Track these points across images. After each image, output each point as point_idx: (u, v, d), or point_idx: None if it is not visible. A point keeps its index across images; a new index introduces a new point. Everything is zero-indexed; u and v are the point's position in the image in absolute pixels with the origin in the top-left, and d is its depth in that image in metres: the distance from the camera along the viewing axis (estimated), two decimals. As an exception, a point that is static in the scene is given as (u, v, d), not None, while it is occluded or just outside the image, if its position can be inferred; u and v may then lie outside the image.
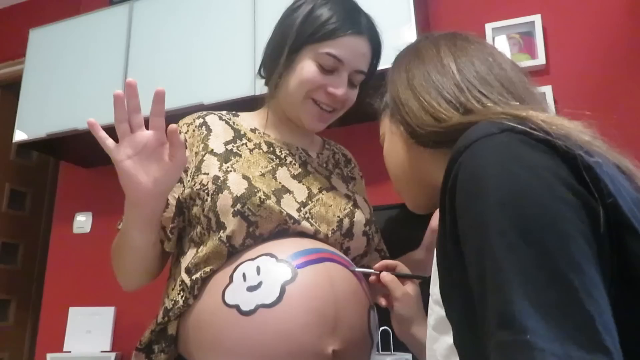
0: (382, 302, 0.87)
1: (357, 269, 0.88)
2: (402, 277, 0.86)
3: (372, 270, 0.88)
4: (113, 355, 1.84)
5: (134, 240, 0.88)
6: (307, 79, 0.93)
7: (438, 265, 0.57)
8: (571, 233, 0.43)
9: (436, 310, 0.58)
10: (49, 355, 1.84)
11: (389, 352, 1.02)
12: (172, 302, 0.85)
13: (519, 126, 0.50)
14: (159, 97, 0.79)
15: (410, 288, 0.85)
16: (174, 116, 1.29)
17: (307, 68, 0.93)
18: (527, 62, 1.70)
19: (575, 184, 0.46)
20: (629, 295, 0.45)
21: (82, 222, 2.25)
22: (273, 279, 0.79)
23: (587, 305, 0.41)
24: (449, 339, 0.54)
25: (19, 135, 2.07)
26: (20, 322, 2.75)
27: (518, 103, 0.61)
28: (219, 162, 0.91)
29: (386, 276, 0.85)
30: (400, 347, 1.04)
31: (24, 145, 2.16)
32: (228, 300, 0.79)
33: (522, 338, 0.40)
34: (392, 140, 0.76)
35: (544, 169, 0.47)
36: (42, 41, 2.18)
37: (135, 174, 0.79)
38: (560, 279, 0.42)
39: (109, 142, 0.79)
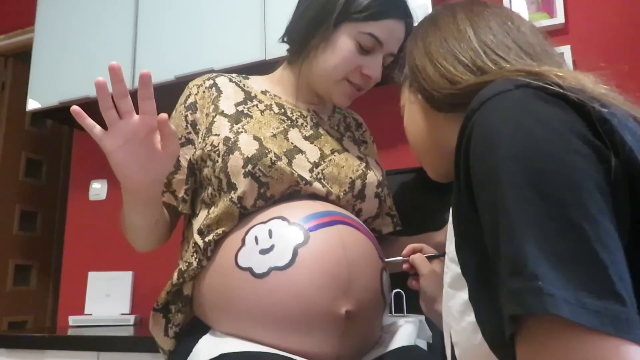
0: (413, 283, 0.88)
1: (387, 260, 0.89)
2: (429, 258, 0.87)
3: (401, 258, 0.89)
4: (132, 317, 1.89)
5: (135, 221, 0.90)
6: (345, 58, 0.93)
7: (453, 224, 0.57)
8: (585, 185, 0.43)
9: (452, 267, 0.58)
10: (70, 318, 1.89)
11: (402, 314, 1.03)
12: (186, 264, 0.86)
13: (533, 82, 0.50)
14: (145, 80, 0.73)
15: (437, 266, 0.86)
16: (185, 82, 1.28)
17: (346, 46, 0.93)
18: (545, 21, 1.65)
19: (589, 136, 0.46)
20: None
21: (98, 189, 2.27)
22: (285, 242, 0.79)
23: (600, 254, 0.41)
24: (464, 295, 0.54)
25: (32, 104, 2.08)
26: (42, 287, 2.83)
27: (535, 64, 0.61)
28: (229, 123, 0.91)
29: (416, 257, 0.86)
30: (413, 309, 1.05)
31: (38, 114, 2.18)
32: (241, 263, 0.80)
33: (534, 284, 0.40)
34: (411, 110, 0.77)
35: (558, 122, 0.46)
36: (51, 8, 2.16)
37: (127, 163, 0.76)
38: (574, 228, 0.41)
39: (96, 130, 0.74)
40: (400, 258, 0.89)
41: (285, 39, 1.03)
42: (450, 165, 0.73)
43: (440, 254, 0.89)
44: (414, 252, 0.88)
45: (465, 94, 0.59)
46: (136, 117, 0.75)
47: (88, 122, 0.75)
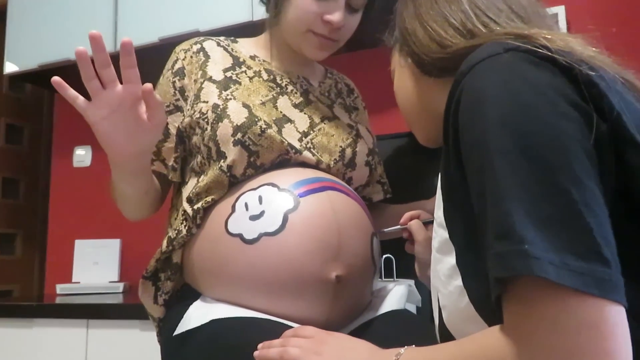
0: (411, 248, 0.89)
1: (386, 230, 0.90)
2: (426, 224, 0.88)
3: (399, 227, 0.89)
4: (121, 285, 1.91)
5: (125, 191, 0.90)
6: (303, 8, 0.92)
7: (442, 189, 0.58)
8: (572, 148, 0.44)
9: (440, 232, 0.59)
10: (58, 286, 1.91)
11: (392, 279, 1.06)
12: (176, 231, 0.87)
13: (522, 45, 0.50)
14: (127, 48, 0.72)
15: (430, 233, 0.87)
16: (169, 44, 1.26)
17: None
18: (540, -19, 1.63)
19: (578, 100, 0.47)
20: (629, 209, 0.46)
21: (82, 155, 2.26)
22: (275, 208, 0.80)
23: (586, 217, 0.42)
24: (451, 260, 0.55)
25: (9, 67, 2.03)
26: (27, 255, 2.83)
27: (526, 26, 0.61)
28: (218, 90, 0.90)
29: (413, 223, 0.87)
30: (402, 274, 1.08)
31: (16, 78, 2.13)
32: (231, 229, 0.81)
33: (520, 248, 0.42)
34: (401, 74, 0.77)
35: (546, 86, 0.47)
36: (26, -35, 2.09)
37: (113, 135, 0.76)
38: (560, 192, 0.43)
39: (79, 101, 0.73)
40: (399, 227, 0.90)
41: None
42: (440, 131, 0.74)
43: (429, 221, 0.90)
44: (411, 219, 0.90)
45: (455, 58, 0.59)
46: (120, 86, 0.74)
47: (70, 93, 0.73)
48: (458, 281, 0.54)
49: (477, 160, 0.48)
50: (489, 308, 0.47)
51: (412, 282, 1.00)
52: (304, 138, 0.92)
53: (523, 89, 0.47)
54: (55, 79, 0.72)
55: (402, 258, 0.91)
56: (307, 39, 0.95)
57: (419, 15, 0.68)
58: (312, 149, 0.92)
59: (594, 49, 0.53)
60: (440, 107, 0.68)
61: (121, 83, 0.74)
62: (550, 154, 0.44)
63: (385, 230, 0.91)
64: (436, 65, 0.65)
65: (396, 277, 1.06)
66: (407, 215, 0.90)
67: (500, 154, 0.45)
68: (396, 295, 0.92)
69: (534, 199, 0.43)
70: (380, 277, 1.06)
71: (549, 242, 0.41)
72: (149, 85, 0.73)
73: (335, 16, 0.91)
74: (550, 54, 0.49)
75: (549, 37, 0.51)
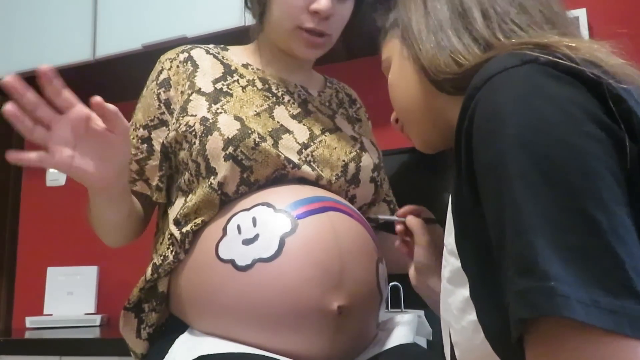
0: (402, 248, 0.89)
1: (381, 217, 0.90)
2: (429, 223, 0.87)
3: (396, 218, 0.89)
4: (98, 317, 1.89)
5: (105, 217, 0.91)
6: (287, 3, 0.94)
7: (453, 213, 0.58)
8: (598, 171, 0.44)
9: (451, 261, 0.59)
10: (28, 319, 1.89)
11: (399, 310, 1.05)
12: (162, 257, 0.87)
13: (543, 56, 0.50)
14: (47, 76, 0.72)
15: (436, 236, 0.86)
16: (153, 52, 1.27)
17: None
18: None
19: (603, 117, 0.46)
20: None
21: (56, 174, 2.25)
22: (271, 230, 0.80)
23: (615, 248, 0.41)
24: (465, 292, 0.55)
25: (-22, 77, 2.05)
26: (-7, 284, 2.81)
27: (545, 30, 0.61)
28: (207, 103, 0.91)
29: (412, 220, 0.86)
30: (411, 304, 1.07)
31: (-16, 88, 2.15)
32: (222, 254, 0.81)
33: (544, 285, 0.41)
34: (402, 68, 0.74)
35: (569, 102, 0.47)
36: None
37: (87, 167, 0.78)
38: (586, 220, 0.42)
39: (37, 157, 0.74)
40: (396, 218, 0.88)
41: (247, 4, 1.05)
42: (443, 138, 0.73)
43: (434, 220, 0.90)
44: (411, 213, 0.88)
45: (470, 76, 0.58)
46: (63, 118, 0.75)
47: (27, 157, 0.74)
48: (472, 316, 0.54)
49: (494, 185, 0.47)
50: (508, 347, 0.46)
51: (421, 312, 1.00)
52: (303, 150, 0.92)
53: (544, 106, 0.47)
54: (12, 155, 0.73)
55: (411, 286, 0.91)
56: (295, 37, 0.96)
57: (428, 15, 0.66)
58: (312, 163, 0.92)
59: (621, 60, 0.53)
60: (448, 113, 0.68)
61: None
62: (575, 179, 0.43)
63: (379, 216, 0.90)
64: (448, 85, 0.63)
65: (404, 308, 1.05)
66: (406, 208, 0.89)
67: (519, 178, 0.45)
68: (404, 328, 0.92)
69: (558, 228, 0.42)
70: (387, 308, 1.05)
71: (576, 276, 0.41)
72: (96, 98, 0.74)
73: (322, 4, 0.93)
74: (573, 65, 0.48)
75: (573, 45, 0.51)
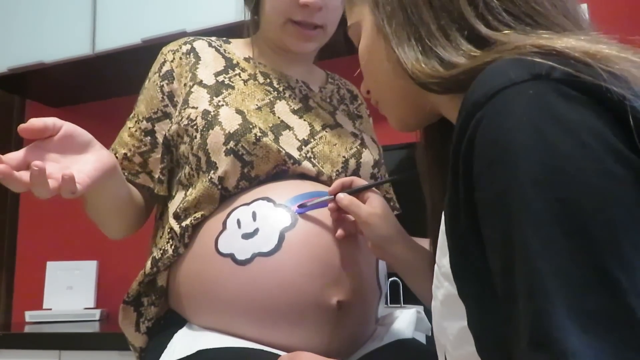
0: (340, 232, 0.82)
1: (308, 204, 0.83)
2: (361, 191, 0.83)
3: (324, 197, 0.83)
4: (98, 312, 1.90)
5: (102, 203, 0.90)
6: None
7: (448, 235, 0.53)
8: (621, 219, 0.39)
9: (445, 285, 0.55)
10: (27, 313, 1.90)
11: (399, 305, 1.06)
12: (161, 251, 0.88)
13: (555, 67, 0.44)
14: (27, 132, 0.71)
15: (374, 203, 0.82)
16: (154, 46, 1.27)
17: None
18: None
19: (625, 151, 0.41)
20: None
21: (55, 168, 2.27)
22: (271, 225, 0.81)
23: (636, 310, 0.37)
24: (462, 321, 0.51)
25: (-23, 71, 2.05)
26: (-7, 279, 2.82)
27: (557, 23, 0.54)
28: (209, 95, 0.91)
29: (343, 199, 0.81)
30: (410, 300, 1.08)
31: (-16, 82, 2.15)
32: (222, 248, 0.81)
33: None
34: (373, 44, 0.67)
35: (589, 132, 0.41)
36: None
37: (88, 172, 0.75)
38: (606, 278, 0.38)
39: (47, 194, 0.69)
40: (324, 197, 0.83)
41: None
42: (423, 118, 0.67)
43: (377, 183, 0.88)
44: (342, 188, 0.83)
45: (459, 80, 0.53)
46: (33, 147, 0.73)
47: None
48: (472, 346, 0.50)
49: (501, 227, 0.43)
50: None
51: (420, 308, 1.00)
52: (303, 147, 0.93)
53: (559, 137, 0.41)
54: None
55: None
56: (287, 31, 0.96)
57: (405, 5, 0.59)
58: (312, 159, 0.92)
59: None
60: (427, 97, 0.62)
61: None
62: (594, 228, 0.39)
63: (308, 204, 0.83)
64: (434, 86, 0.56)
65: (403, 303, 1.06)
66: (336, 183, 0.84)
67: (531, 225, 0.40)
68: (403, 323, 0.92)
69: (575, 290, 0.38)
70: (386, 303, 1.06)
71: (596, 349, 0.37)
72: (19, 128, 0.71)
73: None
74: (594, 82, 0.42)
75: (592, 51, 0.44)
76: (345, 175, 0.95)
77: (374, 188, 0.86)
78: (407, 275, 0.82)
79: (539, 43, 0.48)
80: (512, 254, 0.41)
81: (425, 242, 0.81)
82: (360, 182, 0.86)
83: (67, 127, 0.75)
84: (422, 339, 0.98)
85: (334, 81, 1.14)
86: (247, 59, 1.02)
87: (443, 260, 0.55)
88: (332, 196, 0.83)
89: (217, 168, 0.85)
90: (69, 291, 1.99)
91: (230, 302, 0.79)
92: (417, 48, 0.57)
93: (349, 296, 0.79)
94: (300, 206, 0.82)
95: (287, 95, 0.99)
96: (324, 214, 0.83)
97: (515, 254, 0.41)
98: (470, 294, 0.50)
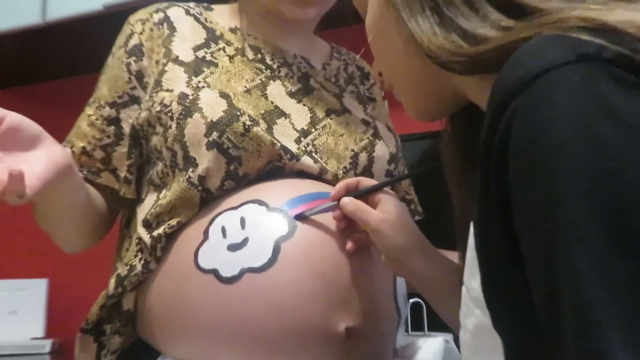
0: (350, 245, 0.83)
1: (307, 212, 0.83)
2: (371, 193, 0.83)
3: (327, 205, 0.83)
4: (48, 342, 1.89)
5: (57, 216, 0.91)
6: None
7: (477, 250, 0.53)
8: None
9: (476, 313, 0.55)
10: (-39, 345, 1.90)
11: (422, 332, 1.06)
12: (128, 267, 0.88)
13: (607, 46, 0.43)
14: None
15: (387, 207, 0.81)
16: (119, 13, 1.27)
17: None
18: None
19: None
20: None
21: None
22: (263, 234, 0.81)
23: None
24: (497, 358, 0.51)
25: None
26: None
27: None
28: (186, 75, 0.91)
29: (347, 204, 0.81)
30: (436, 326, 1.08)
31: None
32: (203, 263, 0.81)
33: None
34: (383, 17, 0.68)
35: None
36: None
37: (36, 173, 0.76)
38: None
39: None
40: (327, 205, 0.84)
41: None
42: (444, 106, 0.69)
43: (391, 181, 0.87)
44: (347, 191, 0.84)
45: (490, 59, 0.53)
46: None
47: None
48: None
49: (543, 245, 0.43)
50: None
51: (449, 336, 1.00)
52: (302, 138, 0.93)
53: (614, 135, 0.41)
54: None
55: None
56: None
57: None
58: (313, 154, 0.93)
59: None
60: (449, 80, 0.63)
61: None
62: None
63: (306, 212, 0.83)
64: (456, 66, 0.57)
65: (428, 330, 1.06)
66: (339, 186, 0.84)
67: (579, 243, 0.40)
68: (428, 355, 0.92)
69: (630, 320, 0.38)
70: (406, 330, 1.06)
71: None
72: None
73: None
74: None
75: None
76: (355, 174, 0.95)
77: (387, 188, 0.86)
78: (432, 296, 0.82)
79: (586, 16, 0.47)
80: (557, 277, 0.41)
81: (454, 256, 0.81)
82: (368, 182, 0.86)
83: (12, 118, 0.76)
84: (450, 375, 0.98)
85: (340, 56, 1.14)
86: (233, 30, 1.02)
87: (472, 282, 0.55)
88: (336, 202, 0.83)
89: (196, 165, 0.85)
90: (12, 317, 1.99)
91: (213, 329, 0.79)
92: (433, 19, 0.58)
93: (360, 321, 0.80)
94: (297, 214, 0.83)
95: (282, 74, 1.00)
96: (329, 220, 0.84)
97: (562, 278, 0.41)
98: (507, 324, 0.50)
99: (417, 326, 1.06)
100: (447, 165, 0.76)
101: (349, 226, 0.84)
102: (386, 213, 0.81)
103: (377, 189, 0.84)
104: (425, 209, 1.13)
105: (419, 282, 0.81)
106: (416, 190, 1.13)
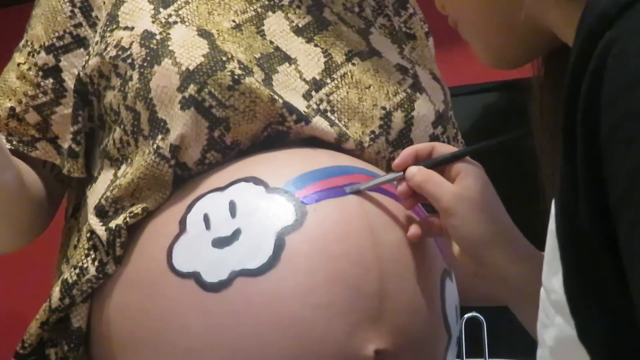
0: (413, 230, 0.85)
1: (362, 186, 0.85)
2: (446, 163, 0.85)
3: (389, 176, 0.87)
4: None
5: None
6: None
7: (559, 240, 0.54)
8: None
9: (557, 322, 0.56)
10: None
11: (480, 359, 1.07)
12: (77, 270, 0.88)
13: None
14: None
15: (466, 182, 0.83)
16: None
17: None
18: None
19: None
20: None
21: None
22: (261, 224, 0.82)
23: None
24: None
25: None
26: None
27: None
28: (152, 6, 0.92)
29: (415, 174, 0.83)
30: (499, 349, 1.09)
31: None
32: (179, 264, 0.82)
33: None
34: None
35: None
36: None
37: None
38: None
39: None
40: (391, 176, 0.87)
41: None
42: (527, 49, 0.72)
43: (472, 149, 0.87)
44: (416, 158, 0.86)
45: None
46: None
47: None
48: None
49: None
50: None
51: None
52: (314, 92, 0.93)
53: None
54: None
55: (499, 317, 0.92)
56: None
57: None
58: (328, 113, 0.93)
59: None
60: (539, 20, 0.66)
61: None
62: None
63: (361, 186, 0.86)
64: None
65: (489, 356, 1.07)
66: (406, 152, 0.87)
67: None
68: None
69: None
70: (460, 356, 1.07)
71: None
72: None
73: None
74: None
75: None
76: (387, 140, 0.96)
77: (468, 157, 0.86)
78: (520, 305, 0.82)
79: None
80: None
81: None
82: (446, 149, 0.87)
83: None
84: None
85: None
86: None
87: (553, 280, 0.56)
88: (401, 172, 0.84)
89: (167, 130, 0.86)
90: None
91: (194, 351, 0.80)
92: None
93: (396, 342, 0.80)
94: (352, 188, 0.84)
95: (285, 2, 1.00)
96: (350, 207, 0.84)
97: None
98: (596, 335, 0.51)
99: (473, 350, 1.08)
100: (536, 126, 0.76)
101: (391, 224, 0.84)
102: (466, 189, 0.82)
103: (456, 157, 0.85)
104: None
105: (503, 285, 0.82)
106: (486, 160, 1.13)
